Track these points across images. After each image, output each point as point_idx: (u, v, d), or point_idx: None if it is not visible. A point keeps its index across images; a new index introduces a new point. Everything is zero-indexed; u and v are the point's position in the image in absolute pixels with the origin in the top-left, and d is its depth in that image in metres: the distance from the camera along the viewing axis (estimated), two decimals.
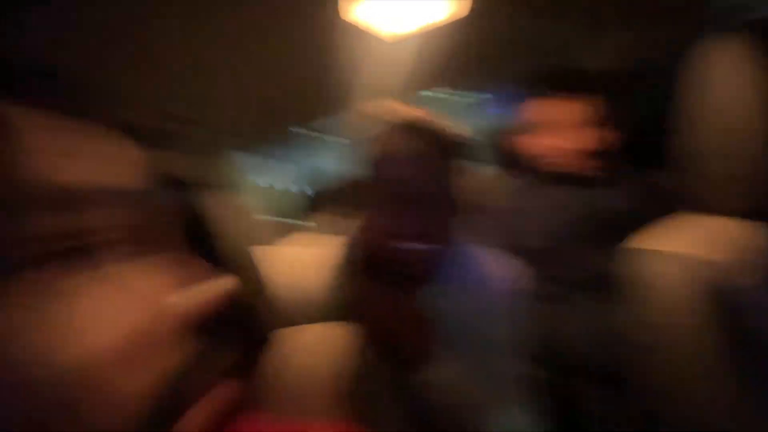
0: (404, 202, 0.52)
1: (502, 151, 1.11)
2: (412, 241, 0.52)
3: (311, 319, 0.55)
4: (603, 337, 0.92)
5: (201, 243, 0.42)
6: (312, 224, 1.41)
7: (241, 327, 0.39)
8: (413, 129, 0.53)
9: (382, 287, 0.55)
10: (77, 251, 0.19)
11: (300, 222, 1.55)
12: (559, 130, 0.94)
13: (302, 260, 0.61)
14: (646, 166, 1.09)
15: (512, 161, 1.10)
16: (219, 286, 0.24)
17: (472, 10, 0.85)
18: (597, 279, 0.98)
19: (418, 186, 0.52)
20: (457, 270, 0.58)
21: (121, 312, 0.19)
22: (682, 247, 0.43)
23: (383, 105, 0.57)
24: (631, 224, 1.03)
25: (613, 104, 1.00)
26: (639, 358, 0.43)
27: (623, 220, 1.01)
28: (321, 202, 1.37)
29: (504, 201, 1.01)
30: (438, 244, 0.54)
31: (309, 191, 1.52)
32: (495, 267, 0.64)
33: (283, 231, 1.25)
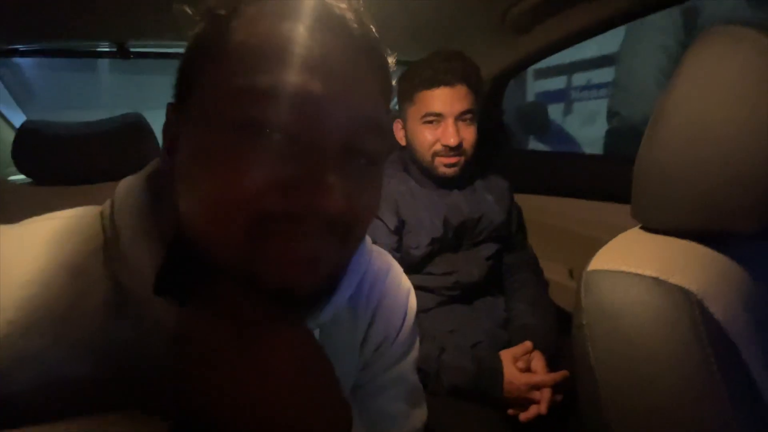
0: (310, 148, 0.27)
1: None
2: (314, 225, 0.28)
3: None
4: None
5: None
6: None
7: None
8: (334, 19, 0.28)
9: (237, 312, 0.28)
10: None
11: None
12: (451, 120, 0.89)
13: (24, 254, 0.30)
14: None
15: (396, 156, 1.04)
16: None
17: None
18: (481, 283, 0.97)
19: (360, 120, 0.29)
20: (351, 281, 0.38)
21: None
22: (652, 270, 0.38)
23: None
24: (505, 231, 1.00)
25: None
26: (613, 391, 0.37)
27: (498, 227, 1.00)
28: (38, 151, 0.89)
29: (391, 200, 0.93)
30: (354, 237, 0.32)
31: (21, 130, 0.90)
32: (400, 271, 0.49)
33: None
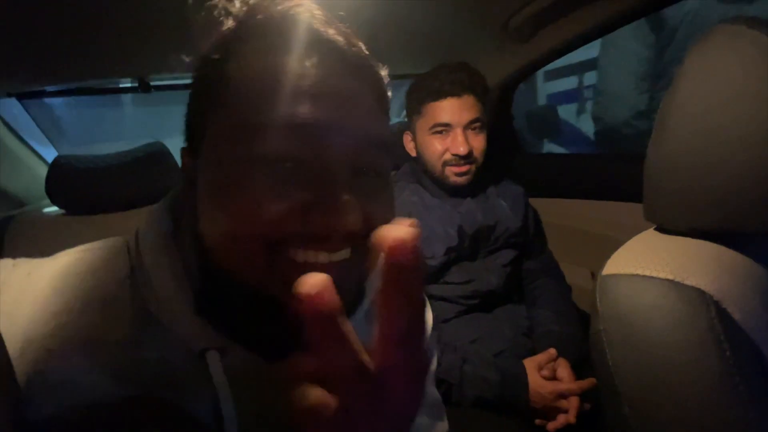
0: (318, 173, 0.28)
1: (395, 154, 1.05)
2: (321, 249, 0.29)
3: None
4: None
5: None
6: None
7: None
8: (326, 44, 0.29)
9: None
10: None
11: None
12: (459, 130, 0.90)
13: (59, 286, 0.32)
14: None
15: (407, 168, 1.07)
16: None
17: None
18: (500, 291, 0.96)
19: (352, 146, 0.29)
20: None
21: None
22: (667, 272, 0.38)
23: None
24: (523, 237, 1.01)
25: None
26: (633, 397, 0.36)
27: (515, 233, 0.99)
28: (70, 183, 0.94)
29: (403, 212, 0.94)
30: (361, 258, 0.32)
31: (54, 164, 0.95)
32: None
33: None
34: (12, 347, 0.29)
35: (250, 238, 0.28)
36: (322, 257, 0.29)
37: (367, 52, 0.33)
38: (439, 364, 0.79)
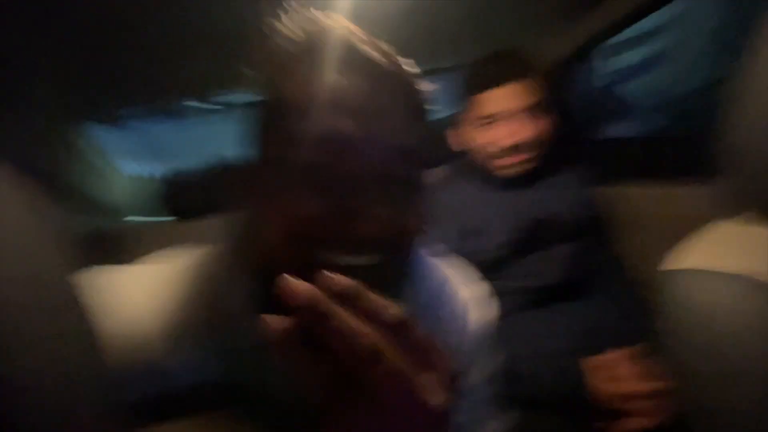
0: (349, 181, 0.32)
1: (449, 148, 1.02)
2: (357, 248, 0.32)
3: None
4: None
5: None
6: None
7: None
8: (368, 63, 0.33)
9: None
10: None
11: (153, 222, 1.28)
12: (504, 121, 0.87)
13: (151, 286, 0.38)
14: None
15: (460, 161, 1.03)
16: None
17: None
18: (559, 287, 0.91)
19: (375, 154, 0.32)
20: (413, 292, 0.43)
21: None
22: (742, 267, 0.34)
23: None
24: (581, 229, 0.93)
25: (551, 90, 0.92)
26: (703, 397, 0.34)
27: (575, 225, 0.93)
28: (182, 194, 1.15)
29: (455, 206, 0.92)
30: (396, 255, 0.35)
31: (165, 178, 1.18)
32: (458, 282, 0.51)
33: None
34: (119, 341, 0.34)
35: (281, 238, 0.32)
36: (345, 260, 0.32)
37: (408, 70, 0.37)
38: (494, 361, 0.78)
